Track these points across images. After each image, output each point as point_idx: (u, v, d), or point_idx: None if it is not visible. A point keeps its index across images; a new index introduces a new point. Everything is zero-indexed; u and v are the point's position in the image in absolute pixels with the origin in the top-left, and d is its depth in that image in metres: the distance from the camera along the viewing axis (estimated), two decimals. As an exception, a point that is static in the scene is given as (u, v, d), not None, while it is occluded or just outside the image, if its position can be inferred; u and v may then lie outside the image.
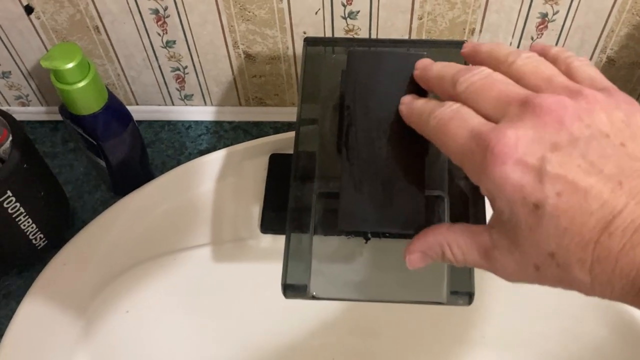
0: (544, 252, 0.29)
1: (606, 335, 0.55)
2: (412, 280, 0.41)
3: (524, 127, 0.30)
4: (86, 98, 0.49)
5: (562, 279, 0.29)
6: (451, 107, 0.33)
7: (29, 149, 0.50)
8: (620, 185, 0.28)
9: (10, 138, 0.49)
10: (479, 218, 0.40)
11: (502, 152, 0.29)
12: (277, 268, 0.56)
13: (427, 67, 0.37)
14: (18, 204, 0.49)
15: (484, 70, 0.33)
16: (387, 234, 0.39)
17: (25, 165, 0.49)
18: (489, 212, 0.53)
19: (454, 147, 0.32)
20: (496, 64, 0.34)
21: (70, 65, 0.47)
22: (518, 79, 0.32)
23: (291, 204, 0.42)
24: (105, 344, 0.55)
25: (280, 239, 0.54)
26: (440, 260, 0.35)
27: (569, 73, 0.33)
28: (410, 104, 0.36)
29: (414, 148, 0.38)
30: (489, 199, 0.31)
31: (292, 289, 0.40)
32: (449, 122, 0.32)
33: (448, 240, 0.35)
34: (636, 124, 0.30)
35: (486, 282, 0.56)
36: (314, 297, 0.40)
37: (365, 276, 0.41)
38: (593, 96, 0.30)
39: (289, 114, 0.63)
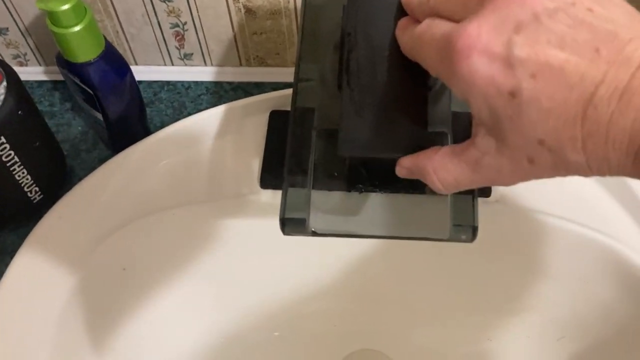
0: (532, 141, 0.28)
1: (614, 296, 0.54)
2: (414, 216, 0.40)
3: (485, 16, 0.28)
4: (82, 43, 0.48)
5: (558, 165, 0.28)
6: (425, 21, 0.32)
7: (23, 96, 0.49)
8: (597, 52, 0.26)
9: (5, 83, 0.48)
10: None
11: (464, 46, 0.28)
12: (277, 224, 0.55)
13: None
14: (12, 152, 0.48)
15: None
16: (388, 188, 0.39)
17: (20, 112, 0.48)
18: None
19: (429, 57, 0.32)
20: None
21: (66, 7, 0.46)
22: None
23: (290, 140, 0.41)
24: (101, 301, 0.54)
25: (280, 194, 0.54)
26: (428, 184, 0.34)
27: None
28: (397, 29, 0.36)
29: (416, 76, 0.37)
30: (466, 102, 0.30)
31: (291, 223, 0.39)
32: (423, 35, 0.32)
33: (434, 166, 0.33)
34: None
35: (491, 248, 0.55)
36: (313, 233, 0.39)
37: (366, 212, 0.40)
38: None
39: (290, 74, 0.61)
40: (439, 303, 0.62)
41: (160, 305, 0.57)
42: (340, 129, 0.36)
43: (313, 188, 0.40)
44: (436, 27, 0.31)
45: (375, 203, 0.40)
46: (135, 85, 0.54)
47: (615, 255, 0.52)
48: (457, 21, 0.31)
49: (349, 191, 0.40)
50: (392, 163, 0.39)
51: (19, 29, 0.59)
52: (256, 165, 0.55)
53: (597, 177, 0.54)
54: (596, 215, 0.53)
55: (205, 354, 0.60)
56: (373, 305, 0.62)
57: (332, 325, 0.62)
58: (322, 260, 0.58)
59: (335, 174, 0.41)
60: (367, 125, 0.36)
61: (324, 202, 0.40)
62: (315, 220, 0.39)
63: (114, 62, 0.51)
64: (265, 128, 0.57)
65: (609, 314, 0.55)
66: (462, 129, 0.41)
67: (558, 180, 0.54)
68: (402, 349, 0.62)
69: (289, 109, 0.56)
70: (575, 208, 0.53)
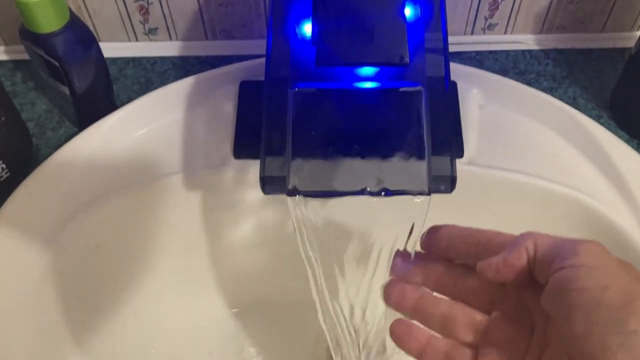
0: None
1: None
2: (394, 174, 0.40)
3: None
4: (47, 13, 0.47)
5: None
6: None
7: (-13, 69, 0.48)
8: None
9: (-33, 56, 0.46)
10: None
11: None
12: (252, 193, 0.55)
13: None
14: (-22, 127, 0.47)
15: None
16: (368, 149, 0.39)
17: (-16, 85, 0.47)
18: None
19: None
20: None
21: (29, -26, 0.45)
22: None
23: (266, 101, 0.41)
24: (74, 280, 0.53)
25: (254, 164, 0.53)
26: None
27: None
28: None
29: (393, 6, 0.38)
30: None
31: (271, 182, 0.39)
32: None
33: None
34: None
35: (464, 208, 0.55)
36: (294, 191, 0.39)
37: (345, 171, 0.40)
38: None
39: (258, 47, 0.61)
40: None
41: (135, 281, 0.56)
42: (317, 43, 0.37)
43: (292, 147, 0.39)
44: None
45: (355, 162, 0.40)
46: (101, 57, 0.53)
47: (585, 208, 0.52)
48: None
49: (328, 150, 0.40)
50: (372, 124, 0.40)
51: (-23, 6, 0.57)
52: (228, 135, 0.54)
53: (566, 136, 0.55)
54: (567, 172, 0.54)
55: (184, 330, 0.59)
56: (348, 267, 0.62)
57: (311, 290, 0.62)
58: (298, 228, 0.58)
59: (314, 132, 0.40)
60: (346, 38, 0.37)
61: (303, 161, 0.39)
62: (295, 179, 0.39)
63: (79, 33, 0.50)
64: (236, 99, 0.56)
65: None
66: (435, 91, 0.41)
67: (526, 140, 0.55)
68: (371, 310, 0.62)
69: (259, 79, 0.57)
70: (544, 165, 0.54)
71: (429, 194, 0.39)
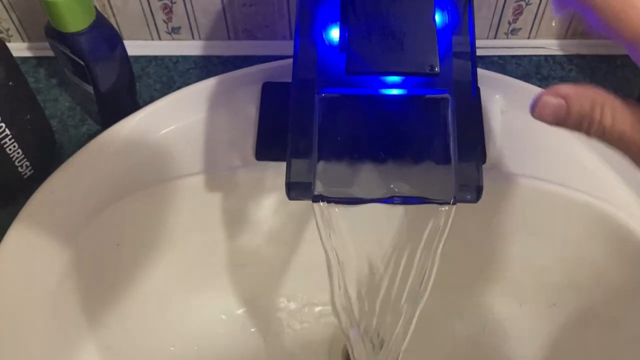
0: None
1: (606, 259, 0.55)
2: (419, 181, 0.40)
3: None
4: (73, 12, 0.47)
5: None
6: None
7: (13, 67, 0.48)
8: None
9: (-5, 54, 0.47)
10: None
11: None
12: (273, 196, 0.55)
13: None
14: (3, 125, 0.47)
15: None
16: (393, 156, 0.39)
17: (10, 83, 0.47)
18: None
19: None
20: None
21: (57, -27, 0.45)
22: None
23: (293, 105, 0.41)
24: (95, 278, 0.53)
25: (276, 166, 0.53)
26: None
27: None
28: None
29: (423, 12, 0.38)
30: None
31: (297, 187, 0.39)
32: None
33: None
34: None
35: (485, 214, 0.55)
36: (319, 197, 0.39)
37: (371, 178, 0.40)
38: None
39: (281, 47, 0.61)
40: (428, 273, 0.62)
41: (154, 280, 0.56)
42: (347, 51, 0.37)
43: (318, 153, 0.40)
44: None
45: (381, 170, 0.40)
46: (126, 56, 0.53)
47: (608, 217, 0.52)
48: None
49: (354, 157, 0.40)
50: (398, 131, 0.40)
51: (3, 4, 0.58)
52: (250, 137, 0.55)
53: (589, 144, 0.55)
54: (589, 179, 0.54)
55: (201, 331, 0.59)
56: (370, 271, 0.62)
57: (328, 295, 0.62)
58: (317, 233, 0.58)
59: (340, 139, 0.40)
60: (376, 46, 0.37)
61: (329, 168, 0.39)
62: (320, 185, 0.39)
63: (105, 32, 0.50)
64: (258, 100, 0.56)
65: (600, 277, 0.55)
66: (462, 98, 0.41)
67: (549, 147, 0.55)
68: (388, 323, 0.63)
69: (282, 80, 0.57)
70: (566, 173, 0.54)
71: (454, 203, 0.39)
